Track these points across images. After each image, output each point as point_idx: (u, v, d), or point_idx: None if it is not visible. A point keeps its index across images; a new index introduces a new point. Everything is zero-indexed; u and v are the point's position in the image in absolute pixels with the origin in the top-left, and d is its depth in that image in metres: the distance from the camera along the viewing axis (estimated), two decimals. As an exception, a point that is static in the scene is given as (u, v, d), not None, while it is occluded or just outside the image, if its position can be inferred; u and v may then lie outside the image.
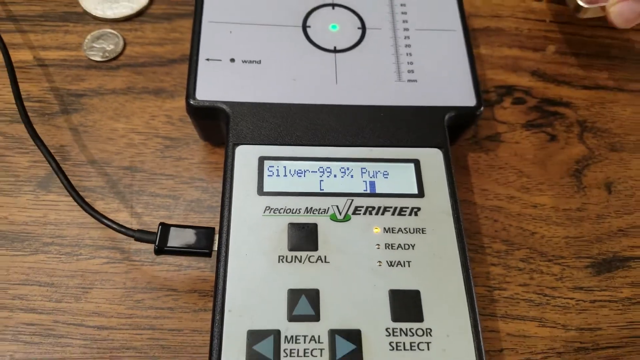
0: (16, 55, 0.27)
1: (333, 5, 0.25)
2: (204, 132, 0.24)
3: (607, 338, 0.23)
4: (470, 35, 0.25)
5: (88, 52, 0.27)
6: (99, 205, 0.23)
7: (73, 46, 0.27)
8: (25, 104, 0.25)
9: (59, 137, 0.25)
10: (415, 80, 0.23)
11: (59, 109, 0.25)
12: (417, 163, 0.21)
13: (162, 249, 0.20)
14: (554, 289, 0.23)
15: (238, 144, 0.21)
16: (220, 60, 0.23)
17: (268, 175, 0.21)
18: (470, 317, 0.18)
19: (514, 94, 0.29)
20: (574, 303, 0.23)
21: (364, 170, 0.21)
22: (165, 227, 0.20)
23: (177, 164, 0.25)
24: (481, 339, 0.18)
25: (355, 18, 0.25)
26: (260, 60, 0.23)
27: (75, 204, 0.23)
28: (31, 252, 0.22)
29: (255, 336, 0.17)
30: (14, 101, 0.25)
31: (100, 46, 0.27)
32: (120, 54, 0.27)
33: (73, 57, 0.27)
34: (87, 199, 0.22)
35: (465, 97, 0.23)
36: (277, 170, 0.21)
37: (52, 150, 0.24)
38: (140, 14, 0.29)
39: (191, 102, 0.22)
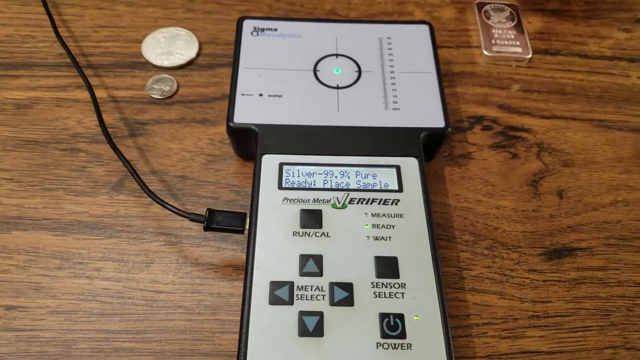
0: (95, 93, 0.35)
1: (337, 55, 0.33)
2: (238, 148, 0.32)
3: (555, 309, 0.28)
4: (442, 76, 0.32)
5: (150, 91, 0.35)
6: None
7: (138, 87, 0.36)
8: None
9: (128, 154, 0.32)
10: (399, 109, 0.30)
11: (128, 134, 0.33)
12: (398, 168, 0.28)
13: (209, 227, 0.27)
14: (512, 271, 0.29)
15: (264, 154, 0.28)
16: (252, 94, 0.31)
17: (285, 176, 0.28)
18: (435, 275, 0.25)
19: (483, 122, 0.36)
20: (528, 282, 0.29)
21: (357, 173, 0.28)
22: (211, 211, 0.27)
23: (217, 174, 0.32)
24: (443, 291, 0.24)
25: (354, 64, 0.32)
26: (281, 95, 0.31)
27: (139, 203, 0.31)
28: (106, 237, 0.29)
29: (275, 285, 0.24)
30: (93, 127, 0.34)
31: (159, 87, 0.35)
32: (175, 93, 0.35)
33: (138, 95, 0.35)
34: (148, 199, 0.30)
35: (437, 120, 0.30)
36: (292, 172, 0.28)
37: (122, 164, 0.32)
38: (190, 63, 0.37)
39: (230, 124, 0.30)
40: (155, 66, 0.37)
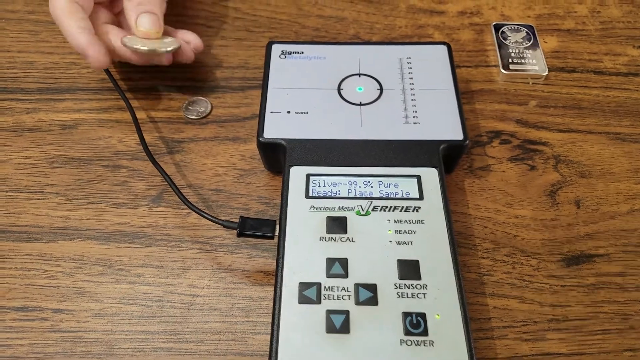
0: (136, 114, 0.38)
1: (359, 74, 0.35)
2: (267, 162, 0.34)
3: (575, 313, 0.29)
4: (461, 92, 0.34)
5: (185, 112, 0.38)
6: (195, 214, 0.33)
7: (175, 108, 0.38)
8: (141, 147, 0.36)
9: (166, 169, 0.35)
10: (419, 123, 0.32)
11: (166, 151, 0.36)
12: (419, 177, 0.30)
13: (242, 233, 0.28)
14: (532, 276, 0.30)
15: (292, 165, 0.30)
16: (280, 112, 0.33)
17: (312, 186, 0.30)
18: (455, 277, 0.26)
19: (501, 136, 0.37)
20: (548, 287, 0.30)
21: (380, 183, 0.30)
22: (243, 219, 0.29)
23: (248, 187, 0.34)
24: (463, 291, 0.25)
25: (376, 82, 0.35)
26: (307, 112, 0.33)
27: (177, 214, 0.33)
28: (146, 245, 0.32)
29: (304, 286, 0.26)
30: (133, 145, 0.36)
31: (194, 108, 0.38)
32: (209, 114, 0.38)
33: (175, 116, 0.38)
34: (185, 210, 0.32)
35: (456, 133, 0.32)
36: (319, 182, 0.30)
37: (161, 179, 0.34)
38: (222, 85, 0.40)
39: (260, 139, 0.32)
40: (190, 87, 0.39)
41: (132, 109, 0.36)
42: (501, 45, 0.41)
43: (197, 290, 0.30)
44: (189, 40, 0.37)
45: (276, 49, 0.37)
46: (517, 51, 0.41)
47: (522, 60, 0.40)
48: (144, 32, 0.35)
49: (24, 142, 0.37)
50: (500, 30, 0.42)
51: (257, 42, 0.43)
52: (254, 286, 0.30)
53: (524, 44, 0.41)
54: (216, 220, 0.29)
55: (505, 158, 0.36)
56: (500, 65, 0.40)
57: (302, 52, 0.37)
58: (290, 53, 0.36)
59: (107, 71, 0.39)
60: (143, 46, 0.35)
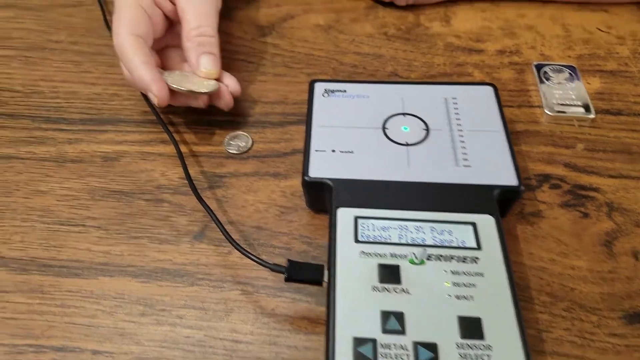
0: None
1: (404, 114, 0.35)
2: (310, 201, 0.33)
3: (638, 374, 0.27)
4: (510, 134, 0.33)
5: (227, 147, 0.38)
6: (236, 253, 0.32)
7: (216, 143, 0.38)
8: (184, 181, 0.36)
9: (208, 204, 0.34)
10: (470, 166, 0.31)
11: (207, 186, 0.35)
12: (474, 225, 0.29)
13: (290, 278, 0.28)
14: (593, 334, 0.29)
15: (339, 207, 0.30)
16: (325, 150, 0.33)
17: (361, 229, 0.29)
18: (520, 337, 0.24)
19: (550, 180, 0.36)
20: (610, 347, 0.28)
21: (432, 229, 0.29)
22: (291, 263, 0.28)
23: (289, 225, 0.33)
24: (529, 354, 0.24)
25: (421, 122, 0.34)
26: (353, 151, 0.32)
27: (219, 252, 0.32)
28: (188, 284, 0.31)
29: (359, 342, 0.25)
30: (176, 179, 0.36)
31: (236, 143, 0.38)
32: (250, 149, 0.38)
33: (217, 151, 0.37)
34: (227, 248, 0.31)
35: (510, 178, 0.31)
36: (367, 225, 0.29)
37: (203, 214, 0.34)
38: (262, 121, 0.39)
39: (306, 178, 0.31)
40: (231, 122, 0.39)
41: (175, 142, 0.36)
42: (544, 86, 0.41)
43: (240, 336, 0.29)
44: (227, 84, 0.37)
45: (319, 87, 0.36)
46: (561, 92, 0.40)
47: (567, 102, 0.40)
48: (207, 72, 0.36)
49: (66, 173, 0.36)
50: (542, 70, 0.42)
51: (295, 77, 0.42)
52: (299, 334, 0.29)
53: (567, 84, 0.41)
54: (264, 263, 0.28)
55: (556, 204, 0.35)
56: (545, 107, 0.39)
57: (345, 91, 0.36)
58: (333, 91, 0.36)
59: (150, 103, 0.39)
60: (181, 86, 0.35)
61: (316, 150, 0.33)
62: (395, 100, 0.35)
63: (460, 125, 0.34)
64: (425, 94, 0.36)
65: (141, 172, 0.36)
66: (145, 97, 0.39)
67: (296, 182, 0.36)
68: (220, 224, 0.31)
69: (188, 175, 0.34)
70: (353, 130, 0.34)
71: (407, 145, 0.33)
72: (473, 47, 0.44)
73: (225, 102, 0.37)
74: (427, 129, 0.34)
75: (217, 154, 0.37)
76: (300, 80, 0.42)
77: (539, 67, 0.42)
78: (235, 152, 0.37)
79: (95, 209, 0.34)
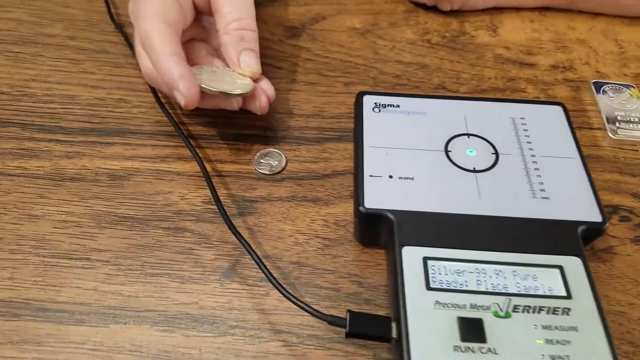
0: (196, 167, 0.32)
1: (468, 134, 0.30)
2: (361, 234, 0.28)
3: None
4: (586, 162, 0.29)
5: (257, 166, 0.32)
6: (275, 294, 0.27)
7: (245, 161, 0.33)
8: (209, 206, 0.31)
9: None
10: (548, 198, 0.27)
11: (237, 212, 0.30)
12: (561, 269, 0.25)
13: (352, 333, 0.23)
14: (691, 395, 0.25)
15: (404, 245, 0.25)
16: (381, 176, 0.28)
17: (432, 273, 0.24)
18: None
19: (619, 212, 0.32)
20: None
21: (515, 273, 0.24)
22: (352, 314, 0.23)
23: (335, 261, 0.29)
24: None
25: (488, 145, 0.30)
26: (413, 177, 0.28)
27: (254, 292, 0.27)
28: (219, 334, 0.26)
29: (446, 416, 0.20)
30: (198, 203, 0.31)
31: (267, 162, 0.33)
32: (283, 169, 0.33)
33: (245, 170, 0.32)
34: (264, 288, 0.26)
35: (592, 213, 0.27)
36: (439, 269, 0.24)
37: (232, 247, 0.29)
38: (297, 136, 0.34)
39: (361, 209, 0.27)
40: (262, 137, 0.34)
41: (199, 158, 0.31)
42: (604, 107, 0.37)
43: (287, 401, 0.24)
44: (262, 86, 0.32)
45: (368, 100, 0.32)
46: (622, 114, 0.37)
47: (631, 125, 0.36)
48: (250, 71, 0.31)
49: (65, 194, 0.31)
50: (602, 89, 0.38)
51: (331, 87, 0.38)
52: (359, 398, 0.24)
53: (629, 106, 0.37)
54: (320, 315, 0.24)
55: (628, 239, 0.31)
56: (608, 130, 0.36)
57: (399, 106, 0.32)
58: (385, 106, 0.32)
59: (166, 112, 0.34)
60: (213, 87, 0.30)
61: (370, 176, 0.28)
62: (456, 118, 0.31)
63: (532, 150, 0.29)
64: (489, 112, 0.31)
65: (156, 195, 0.31)
66: (161, 104, 0.34)
67: (339, 210, 0.31)
68: (261, 261, 0.26)
69: (217, 199, 0.29)
70: (411, 152, 0.29)
71: (475, 171, 0.28)
72: (524, 61, 0.40)
73: (261, 105, 0.32)
74: (496, 154, 0.29)
75: (246, 174, 0.32)
76: (337, 91, 0.37)
77: (597, 86, 0.38)
78: (267, 172, 0.32)
79: (101, 239, 0.29)
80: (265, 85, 0.32)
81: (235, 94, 0.30)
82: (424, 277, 0.24)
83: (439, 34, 0.42)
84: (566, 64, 0.41)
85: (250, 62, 0.31)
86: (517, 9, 0.44)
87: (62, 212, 0.30)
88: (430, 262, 0.25)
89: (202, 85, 0.30)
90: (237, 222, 0.30)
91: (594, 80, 0.39)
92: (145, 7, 0.30)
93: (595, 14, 0.44)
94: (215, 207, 0.30)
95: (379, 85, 0.38)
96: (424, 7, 0.44)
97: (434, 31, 0.42)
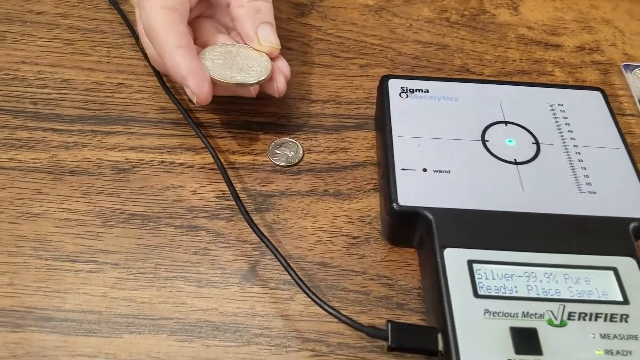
0: (207, 158, 0.30)
1: (505, 122, 0.28)
2: (392, 232, 0.26)
3: None
4: (632, 153, 0.27)
5: (272, 157, 0.30)
6: (300, 298, 0.25)
7: (259, 152, 0.30)
8: (224, 202, 0.28)
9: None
10: (595, 192, 0.25)
11: (253, 208, 0.28)
12: (615, 271, 0.23)
13: (394, 347, 0.21)
14: None
15: (445, 247, 0.23)
16: (414, 169, 0.26)
17: (478, 278, 0.22)
18: None
19: (659, 204, 0.30)
20: None
21: (566, 276, 0.23)
22: (394, 325, 0.21)
23: (362, 261, 0.27)
24: None
25: (528, 134, 0.28)
26: (449, 170, 0.26)
27: (277, 297, 0.25)
28: (243, 343, 0.24)
29: None
30: (212, 198, 0.28)
31: (283, 152, 0.30)
32: (301, 160, 0.30)
33: (260, 162, 0.30)
34: (288, 292, 0.24)
35: (642, 209, 0.25)
36: (486, 273, 0.23)
37: (252, 246, 0.27)
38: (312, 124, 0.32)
39: (394, 207, 0.24)
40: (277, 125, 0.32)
41: (213, 149, 0.28)
42: (637, 92, 0.35)
43: (322, 418, 0.22)
44: (278, 64, 0.30)
45: (394, 85, 0.29)
46: (657, 98, 0.35)
47: (665, 110, 0.34)
48: (270, 47, 0.28)
49: (66, 189, 0.28)
50: (634, 72, 0.36)
51: (347, 69, 0.35)
52: (400, 413, 0.22)
53: (663, 89, 0.35)
54: (359, 327, 0.21)
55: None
56: (643, 115, 0.34)
57: (428, 90, 0.29)
58: (412, 91, 0.29)
59: (173, 98, 0.31)
60: (228, 79, 0.27)
61: (402, 169, 0.26)
62: (491, 104, 0.29)
63: (574, 139, 0.27)
64: (525, 98, 0.29)
65: (166, 189, 0.28)
66: (167, 88, 0.31)
67: (363, 205, 0.29)
68: (288, 265, 0.23)
69: (236, 195, 0.26)
70: (446, 142, 0.27)
71: (517, 163, 0.26)
72: (549, 42, 0.38)
73: (279, 86, 0.29)
74: (537, 144, 0.27)
75: (260, 166, 0.30)
76: (353, 74, 0.35)
77: (628, 69, 0.36)
78: (283, 164, 0.30)
79: (109, 239, 0.26)
80: (282, 64, 0.30)
81: (251, 83, 0.28)
82: (471, 282, 0.22)
83: (458, 12, 0.40)
84: (592, 45, 0.38)
85: (269, 37, 0.29)
86: (537, -14, 0.42)
87: (64, 210, 0.27)
88: (475, 266, 0.23)
89: (215, 78, 0.27)
90: (254, 218, 0.27)
91: (624, 64, 0.37)
92: None
93: (619, -8, 0.42)
94: (230, 202, 0.28)
95: (398, 68, 0.35)
96: (440, -18, 0.41)
97: (452, 9, 0.40)
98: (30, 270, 0.25)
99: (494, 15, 0.39)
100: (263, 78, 0.28)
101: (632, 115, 0.34)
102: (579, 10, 0.40)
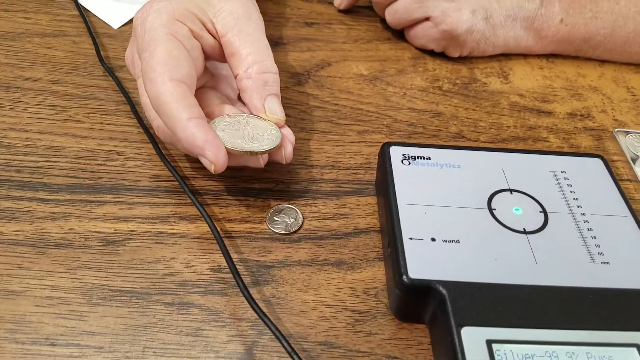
0: (202, 227, 0.28)
1: (510, 190, 0.27)
2: (401, 307, 0.25)
3: None
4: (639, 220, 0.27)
5: (271, 224, 0.29)
6: (304, 384, 0.23)
7: (256, 219, 0.29)
8: (219, 275, 0.26)
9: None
10: (608, 263, 0.24)
11: (250, 280, 0.26)
12: (638, 347, 0.21)
13: None
14: None
15: (462, 325, 0.22)
16: (422, 239, 0.25)
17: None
18: None
19: (668, 272, 0.30)
20: None
21: (589, 355, 0.21)
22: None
23: (369, 339, 0.25)
24: None
25: (534, 202, 0.27)
26: (459, 240, 0.25)
27: (279, 382, 0.23)
28: None
29: None
30: (205, 271, 0.27)
31: (282, 219, 0.29)
32: (300, 227, 0.29)
33: (258, 230, 0.29)
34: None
35: (658, 279, 0.24)
36: (506, 354, 0.21)
37: (248, 324, 0.25)
38: (312, 190, 0.31)
39: (405, 280, 0.23)
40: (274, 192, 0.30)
41: (209, 217, 0.27)
42: (633, 157, 0.35)
43: None
44: (284, 132, 0.29)
45: (395, 152, 0.29)
46: (653, 164, 0.35)
47: (663, 176, 0.34)
48: (276, 119, 0.28)
49: (49, 263, 0.26)
50: (627, 138, 0.37)
51: (344, 136, 0.35)
52: None
53: (657, 155, 0.36)
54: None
55: (682, 302, 0.28)
56: (642, 182, 0.34)
57: (430, 158, 0.29)
58: (414, 158, 0.29)
59: (168, 163, 0.30)
60: (240, 148, 0.27)
61: (410, 239, 0.25)
62: (494, 172, 0.28)
63: (580, 207, 0.27)
64: (527, 165, 0.29)
65: (157, 262, 0.27)
66: (162, 155, 0.30)
67: (367, 275, 0.27)
68: (293, 350, 0.22)
69: (234, 268, 0.25)
70: (453, 210, 0.26)
71: (526, 233, 0.25)
72: (541, 109, 0.39)
73: (287, 153, 0.29)
74: (544, 212, 0.26)
75: (258, 234, 0.28)
76: (350, 140, 0.34)
77: (620, 135, 0.37)
78: (282, 231, 0.29)
79: (93, 319, 0.24)
80: (287, 132, 0.29)
81: (264, 151, 0.27)
82: (490, 363, 0.20)
83: (450, 81, 0.40)
84: (583, 112, 0.39)
85: (275, 109, 0.29)
86: (524, 56, 0.43)
87: (46, 287, 0.25)
88: (495, 346, 0.21)
89: (228, 147, 0.26)
90: (252, 292, 0.25)
91: (617, 129, 0.37)
92: (151, 60, 0.26)
93: (603, 61, 0.43)
94: (226, 275, 0.26)
95: (394, 134, 0.35)
96: (431, 53, 0.42)
97: (444, 78, 0.40)
98: (5, 355, 0.23)
99: (485, 83, 0.40)
100: (275, 146, 0.28)
101: (630, 180, 0.34)
102: (566, 79, 0.41)
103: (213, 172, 0.26)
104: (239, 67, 0.28)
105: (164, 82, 0.25)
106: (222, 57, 0.30)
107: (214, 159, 0.25)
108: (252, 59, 0.28)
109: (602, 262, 0.24)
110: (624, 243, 0.25)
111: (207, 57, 0.30)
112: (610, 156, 0.36)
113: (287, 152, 0.28)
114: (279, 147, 0.28)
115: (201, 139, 0.25)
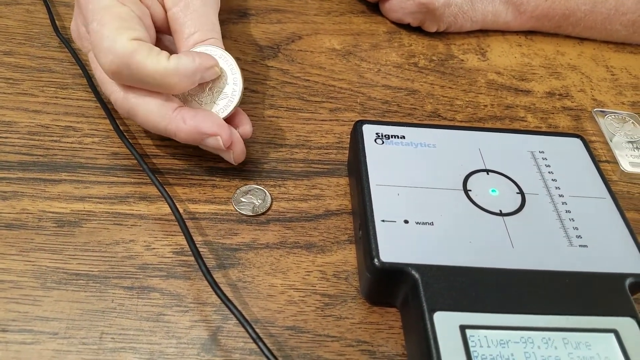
0: (163, 208, 0.27)
1: (487, 171, 0.27)
2: (371, 291, 0.24)
3: None
4: (619, 202, 0.26)
5: (238, 206, 0.27)
6: (270, 372, 0.22)
7: (222, 200, 0.28)
8: (182, 258, 0.25)
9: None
10: (586, 246, 0.24)
11: (216, 264, 0.25)
12: (616, 333, 0.21)
13: None
14: None
15: (435, 310, 0.21)
16: (394, 221, 0.24)
17: (473, 347, 0.20)
18: None
19: (642, 254, 0.29)
20: None
21: (565, 341, 0.21)
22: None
23: (338, 324, 0.24)
24: None
25: (511, 183, 0.26)
26: (432, 222, 0.24)
27: (244, 370, 0.22)
28: None
29: None
30: (167, 254, 0.25)
31: (249, 201, 0.28)
32: (269, 209, 0.28)
33: (223, 211, 0.27)
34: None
35: (636, 262, 0.23)
36: (480, 340, 0.20)
37: (213, 309, 0.23)
38: (281, 170, 0.30)
39: (376, 264, 0.22)
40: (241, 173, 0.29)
41: (170, 197, 0.25)
42: (612, 138, 0.35)
43: None
44: (237, 123, 0.28)
45: (369, 130, 0.28)
46: (632, 145, 0.34)
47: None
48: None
49: (0, 245, 0.24)
50: (606, 118, 0.36)
51: (315, 113, 0.33)
52: None
53: (637, 136, 0.35)
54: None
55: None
56: (620, 163, 0.33)
57: (404, 137, 0.28)
58: (388, 137, 0.27)
59: (127, 141, 0.28)
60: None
61: (382, 221, 0.23)
62: (471, 152, 0.27)
63: (559, 189, 0.26)
64: (505, 145, 0.28)
65: (115, 244, 0.25)
66: (120, 132, 0.28)
67: (338, 258, 0.26)
68: (258, 336, 0.20)
69: (196, 251, 0.23)
70: (427, 191, 0.25)
71: (503, 215, 0.25)
72: (518, 87, 0.38)
73: (237, 152, 0.27)
74: (522, 193, 0.26)
75: (224, 216, 0.27)
76: (322, 118, 0.33)
77: (599, 115, 0.36)
78: (249, 213, 0.27)
79: (47, 304, 0.23)
80: (242, 120, 0.28)
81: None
82: (465, 352, 0.20)
83: (426, 58, 0.39)
84: (562, 91, 0.38)
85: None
86: (503, 32, 0.42)
87: (-7, 271, 0.23)
88: (469, 332, 0.20)
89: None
90: (217, 276, 0.24)
91: (595, 109, 0.37)
92: (101, 29, 0.23)
93: (582, 39, 0.43)
94: (189, 258, 0.25)
95: (368, 112, 0.34)
96: (407, 28, 0.41)
97: (420, 54, 0.39)
98: (-54, 346, 0.21)
99: (463, 60, 0.39)
100: (231, 111, 0.27)
101: (608, 161, 0.34)
102: (545, 57, 0.41)
103: (237, 161, 0.27)
104: (181, 47, 0.27)
105: (124, 45, 0.23)
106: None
107: (226, 138, 0.25)
108: (194, 39, 0.26)
109: (580, 245, 0.24)
110: (602, 226, 0.25)
111: (157, 29, 0.28)
112: (589, 137, 0.35)
113: (238, 150, 0.27)
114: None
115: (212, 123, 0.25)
